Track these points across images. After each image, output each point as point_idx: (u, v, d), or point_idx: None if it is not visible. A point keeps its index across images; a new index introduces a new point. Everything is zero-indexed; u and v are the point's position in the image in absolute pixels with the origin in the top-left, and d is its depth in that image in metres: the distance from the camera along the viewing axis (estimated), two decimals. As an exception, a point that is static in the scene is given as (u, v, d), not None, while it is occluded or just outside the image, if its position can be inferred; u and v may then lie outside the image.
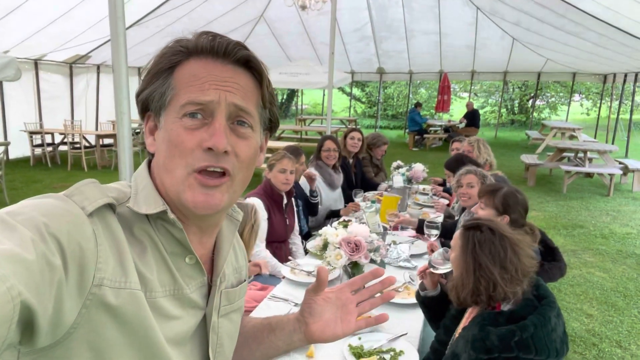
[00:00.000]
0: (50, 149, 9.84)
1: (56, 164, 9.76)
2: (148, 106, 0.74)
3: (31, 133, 9.53)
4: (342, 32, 12.66)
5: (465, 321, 1.70)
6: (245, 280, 0.92)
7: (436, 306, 1.93)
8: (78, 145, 9.58)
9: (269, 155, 3.47)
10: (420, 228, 3.29)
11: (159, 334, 0.69)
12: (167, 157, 0.71)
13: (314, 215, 3.81)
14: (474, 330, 1.51)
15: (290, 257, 2.75)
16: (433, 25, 12.13)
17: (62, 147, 9.96)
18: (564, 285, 4.28)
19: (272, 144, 9.02)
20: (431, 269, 1.90)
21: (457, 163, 3.54)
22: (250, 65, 0.74)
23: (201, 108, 0.69)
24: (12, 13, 7.36)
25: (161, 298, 0.71)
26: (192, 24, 11.05)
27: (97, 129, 11.26)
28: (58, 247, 0.56)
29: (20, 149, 9.69)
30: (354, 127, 4.98)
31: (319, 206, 3.90)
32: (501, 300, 1.56)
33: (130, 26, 9.15)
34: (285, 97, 23.95)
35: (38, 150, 9.77)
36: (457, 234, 1.72)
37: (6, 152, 9.09)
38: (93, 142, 10.03)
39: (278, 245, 2.98)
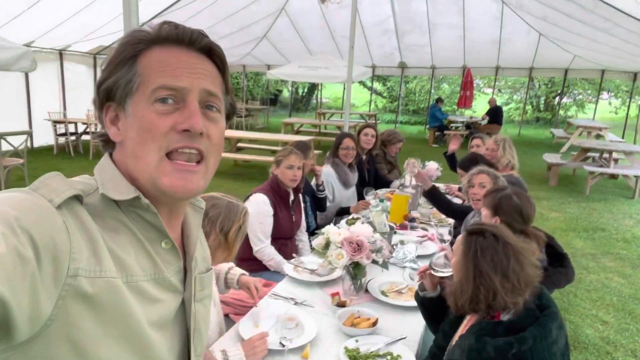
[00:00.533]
0: (73, 138, 10.03)
1: (79, 153, 9.96)
2: (111, 95, 0.74)
3: (55, 122, 9.74)
4: (364, 25, 12.54)
5: (462, 329, 1.66)
6: (212, 269, 0.93)
7: (435, 308, 1.89)
8: (100, 135, 9.73)
9: (279, 148, 3.45)
10: (429, 193, 3.32)
11: (139, 320, 0.69)
12: (137, 144, 0.71)
13: (322, 211, 3.79)
14: (471, 339, 1.47)
15: (294, 255, 2.73)
16: (457, 19, 11.89)
17: (85, 137, 10.16)
18: (580, 290, 4.16)
19: (289, 137, 9.01)
20: (431, 271, 1.85)
21: (470, 162, 3.46)
22: (212, 53, 0.77)
23: (173, 93, 0.71)
24: (37, 4, 7.50)
25: (143, 282, 0.72)
26: (213, 17, 11.12)
27: (119, 120, 11.42)
28: (29, 240, 0.56)
29: (44, 137, 9.91)
30: (367, 122, 4.89)
31: (330, 203, 3.87)
32: (501, 310, 1.51)
33: (151, 19, 9.23)
34: (305, 90, 23.89)
35: (61, 139, 9.97)
36: (459, 238, 1.67)
37: (30, 140, 9.33)
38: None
39: (284, 242, 2.97)
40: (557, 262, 2.23)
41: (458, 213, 3.22)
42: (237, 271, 2.12)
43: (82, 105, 10.69)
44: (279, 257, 2.81)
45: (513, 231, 1.97)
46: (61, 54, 10.20)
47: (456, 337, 1.64)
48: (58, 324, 0.60)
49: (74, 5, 8.09)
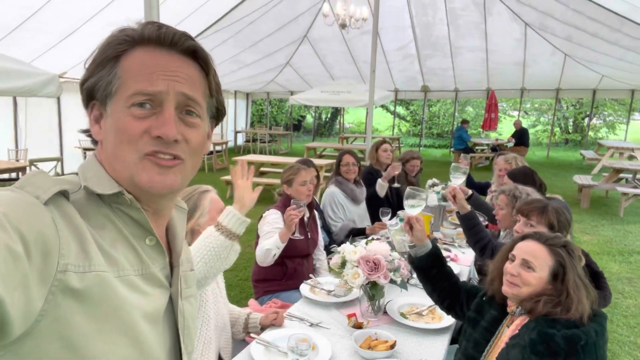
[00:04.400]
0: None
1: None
2: (93, 95, 0.74)
3: (85, 150, 10.03)
4: (386, 50, 12.62)
5: (512, 330, 1.59)
6: (194, 270, 0.93)
7: (431, 269, 1.91)
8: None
9: (280, 170, 3.42)
10: (464, 216, 2.79)
11: (132, 313, 0.69)
12: (115, 145, 0.72)
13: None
14: (532, 334, 1.45)
15: (311, 275, 2.66)
16: (479, 41, 11.86)
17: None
18: (616, 316, 3.93)
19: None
20: (408, 213, 1.95)
21: (524, 177, 3.08)
22: (197, 55, 0.75)
23: (150, 98, 0.71)
24: (70, 37, 7.83)
25: (132, 276, 0.72)
26: (238, 46, 11.39)
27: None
28: (19, 235, 0.56)
29: (75, 165, 10.17)
30: (383, 138, 4.86)
31: (343, 221, 3.79)
32: (579, 317, 1.47)
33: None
34: (329, 116, 24.06)
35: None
36: (542, 251, 1.58)
37: (61, 167, 9.61)
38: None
39: (300, 261, 2.89)
40: (593, 281, 2.07)
41: (487, 250, 2.70)
42: (257, 315, 2.18)
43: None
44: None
45: None
46: (92, 83, 10.56)
47: (503, 340, 1.58)
48: (48, 319, 0.60)
49: (105, 36, 8.40)
